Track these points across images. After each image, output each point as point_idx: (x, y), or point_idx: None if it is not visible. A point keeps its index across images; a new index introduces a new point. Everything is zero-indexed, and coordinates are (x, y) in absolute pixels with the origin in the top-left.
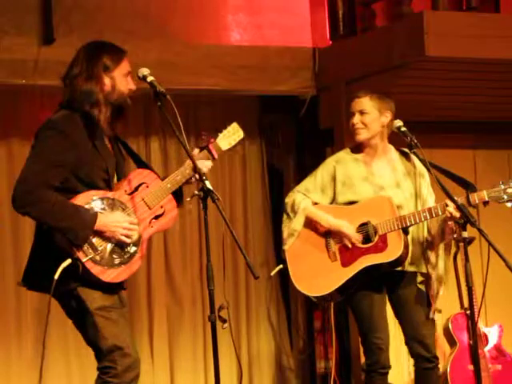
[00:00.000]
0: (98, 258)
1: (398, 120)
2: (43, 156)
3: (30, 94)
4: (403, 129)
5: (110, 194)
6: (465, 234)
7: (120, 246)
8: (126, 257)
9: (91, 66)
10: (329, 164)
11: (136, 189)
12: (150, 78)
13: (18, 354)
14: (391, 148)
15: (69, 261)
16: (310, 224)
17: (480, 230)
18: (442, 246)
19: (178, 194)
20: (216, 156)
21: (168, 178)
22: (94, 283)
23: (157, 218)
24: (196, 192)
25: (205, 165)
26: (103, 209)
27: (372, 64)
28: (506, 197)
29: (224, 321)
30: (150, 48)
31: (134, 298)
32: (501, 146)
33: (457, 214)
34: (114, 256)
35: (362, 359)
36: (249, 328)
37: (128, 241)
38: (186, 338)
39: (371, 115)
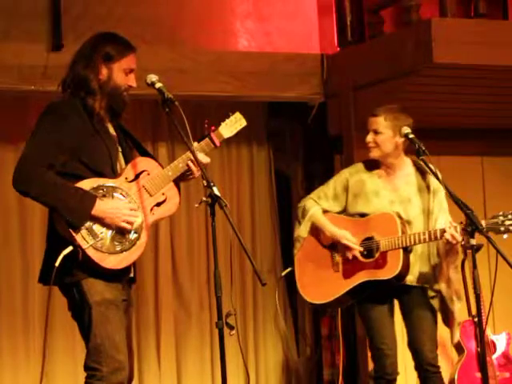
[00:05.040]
0: (98, 244)
1: (405, 127)
2: (42, 137)
3: (38, 99)
4: (411, 136)
5: (110, 182)
6: (473, 242)
7: (121, 233)
8: (127, 243)
9: (92, 53)
10: (343, 175)
11: (137, 176)
12: (158, 85)
13: (24, 350)
14: (408, 162)
15: (70, 248)
16: (317, 231)
17: (488, 238)
18: (451, 265)
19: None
20: (218, 144)
21: (169, 165)
22: (98, 272)
23: (158, 205)
24: (204, 198)
25: (204, 159)
26: (104, 196)
27: (380, 71)
28: (502, 228)
29: (231, 327)
30: (158, 54)
31: (142, 303)
32: (509, 153)
33: (455, 240)
34: (115, 243)
35: (370, 367)
36: (256, 334)
37: (128, 227)
38: (194, 344)
39: (384, 135)
